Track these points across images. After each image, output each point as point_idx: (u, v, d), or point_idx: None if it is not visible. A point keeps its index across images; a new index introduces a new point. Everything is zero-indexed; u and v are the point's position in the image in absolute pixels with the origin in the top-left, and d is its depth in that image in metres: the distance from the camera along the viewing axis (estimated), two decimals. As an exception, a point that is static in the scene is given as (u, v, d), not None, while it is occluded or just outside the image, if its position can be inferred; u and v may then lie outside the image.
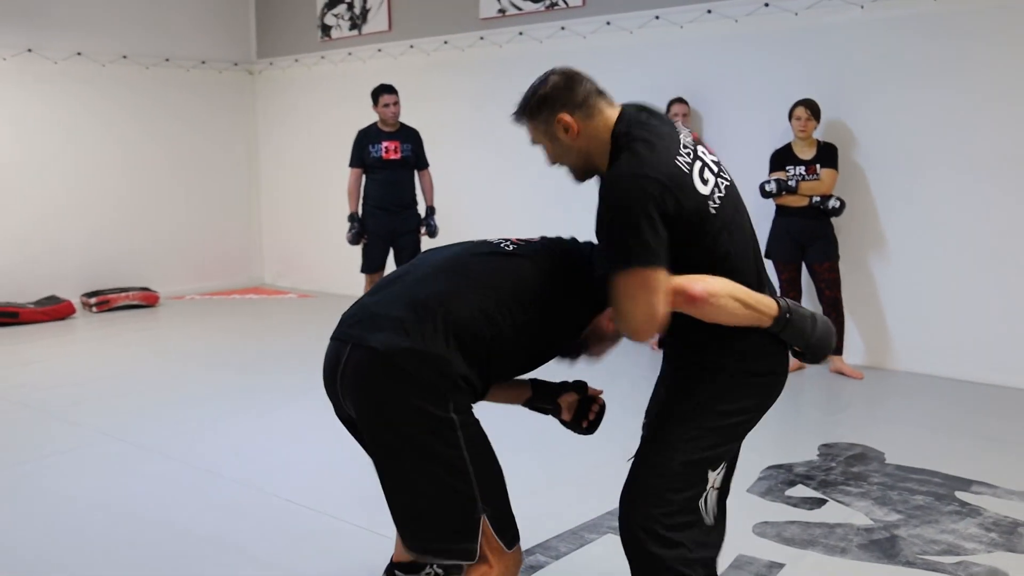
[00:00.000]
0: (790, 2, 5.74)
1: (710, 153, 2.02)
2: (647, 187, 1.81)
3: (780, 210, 5.47)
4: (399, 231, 6.19)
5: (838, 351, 5.46)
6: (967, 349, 5.29)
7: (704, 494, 1.97)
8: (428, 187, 6.34)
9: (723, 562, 2.38)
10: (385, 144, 6.15)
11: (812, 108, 5.37)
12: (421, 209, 6.33)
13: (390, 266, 6.19)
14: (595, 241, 1.99)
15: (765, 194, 5.43)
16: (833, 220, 5.40)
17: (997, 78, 5.07)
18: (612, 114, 1.98)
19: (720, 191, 1.94)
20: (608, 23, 6.56)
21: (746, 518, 3.22)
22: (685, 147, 1.93)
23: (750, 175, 5.86)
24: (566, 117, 1.96)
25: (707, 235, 1.89)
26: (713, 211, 1.89)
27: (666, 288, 1.82)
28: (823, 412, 4.90)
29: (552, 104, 1.98)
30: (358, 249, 6.31)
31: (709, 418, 1.96)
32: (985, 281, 5.20)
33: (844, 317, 5.46)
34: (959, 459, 3.84)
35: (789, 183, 5.34)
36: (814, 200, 5.31)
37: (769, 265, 5.57)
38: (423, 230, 6.26)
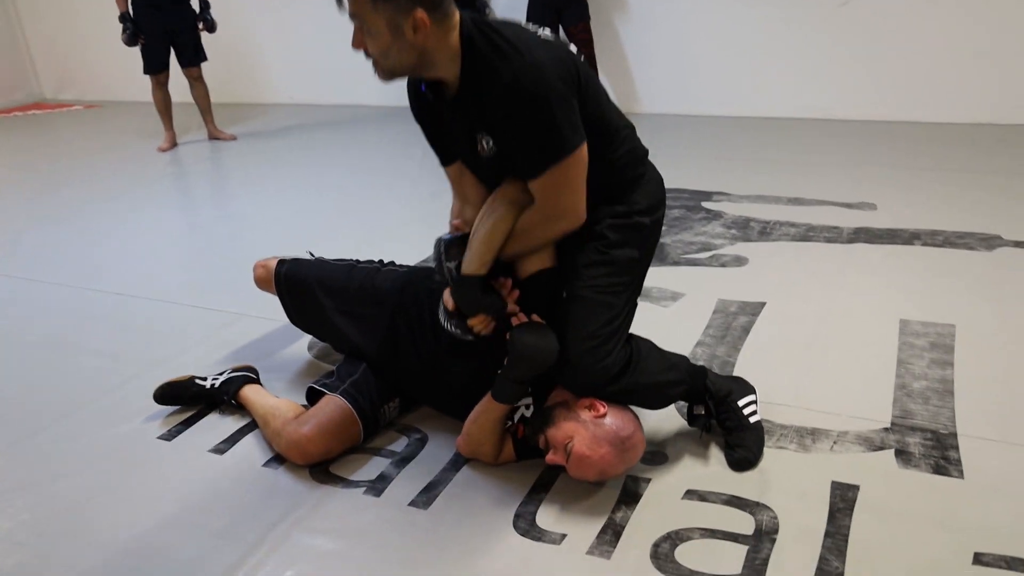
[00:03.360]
0: None
1: None
2: (566, 71, 1.56)
3: (536, -22, 5.20)
4: (176, 28, 5.36)
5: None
6: (700, 89, 5.46)
7: None
8: (198, -20, 5.47)
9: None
10: (144, -64, 5.17)
11: None
12: (195, 5, 5.50)
13: (174, 66, 5.43)
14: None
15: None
16: (583, -16, 5.22)
17: None
18: (457, 18, 1.58)
19: None
20: None
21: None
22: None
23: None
24: (423, 16, 1.51)
25: (585, 106, 1.64)
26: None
27: None
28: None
29: None
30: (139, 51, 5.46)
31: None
32: (712, 24, 5.28)
33: (598, 72, 5.43)
34: (701, 177, 4.02)
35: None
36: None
37: (531, 31, 5.37)
38: (201, 25, 5.46)
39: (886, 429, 1.92)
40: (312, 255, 2.39)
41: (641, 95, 5.66)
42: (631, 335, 1.81)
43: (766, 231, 3.28)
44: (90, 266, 3.42)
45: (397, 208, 3.95)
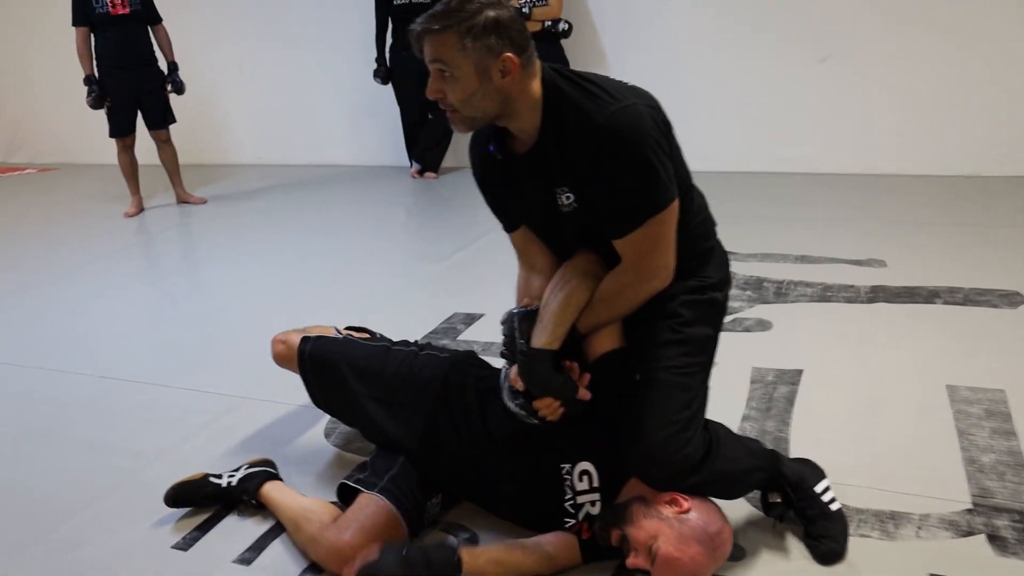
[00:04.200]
0: None
1: None
2: (660, 119, 1.50)
3: (518, 36, 5.19)
4: (144, 90, 5.20)
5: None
6: (687, 146, 5.47)
7: None
8: (165, 42, 5.32)
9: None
10: (110, -1, 5.04)
11: (537, -64, 5.04)
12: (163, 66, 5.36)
13: (141, 128, 5.26)
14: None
15: (504, 22, 5.10)
16: (563, 42, 5.23)
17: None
18: (538, 65, 1.53)
19: None
20: None
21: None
22: None
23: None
24: (512, 58, 1.45)
25: (672, 161, 1.57)
26: None
27: None
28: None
29: (504, 35, 1.44)
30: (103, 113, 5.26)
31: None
32: (694, 81, 5.32)
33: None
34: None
35: (523, 10, 5.04)
36: (546, 25, 5.08)
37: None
38: (169, 87, 5.31)
39: (969, 511, 1.82)
40: (339, 331, 2.23)
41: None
42: (706, 419, 1.70)
43: (782, 292, 3.23)
44: (63, 346, 3.19)
45: (387, 274, 3.80)
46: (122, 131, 5.21)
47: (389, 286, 3.64)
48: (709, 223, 1.73)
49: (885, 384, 2.44)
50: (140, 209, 5.42)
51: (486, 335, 2.96)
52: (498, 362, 2.02)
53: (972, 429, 2.15)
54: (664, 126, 1.53)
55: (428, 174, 5.82)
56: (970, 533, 1.75)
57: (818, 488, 1.74)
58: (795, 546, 1.74)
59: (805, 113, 5.10)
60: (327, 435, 2.35)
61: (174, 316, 3.52)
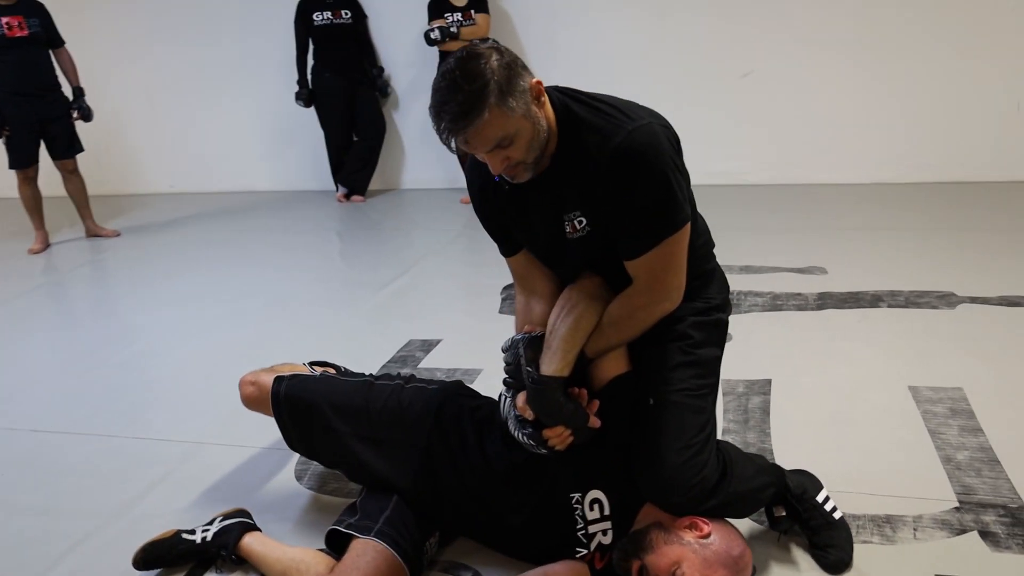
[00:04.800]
0: None
1: None
2: (673, 138, 1.50)
3: (444, 56, 5.17)
4: (48, 117, 4.90)
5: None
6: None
7: None
8: (69, 66, 5.03)
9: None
10: (5, 20, 4.74)
11: (460, -44, 5.04)
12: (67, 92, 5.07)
13: (44, 160, 4.96)
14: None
15: (431, 41, 5.07)
16: (491, 61, 5.24)
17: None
18: None
19: None
20: None
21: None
22: None
23: (409, 26, 5.48)
24: (539, 83, 1.45)
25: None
26: None
27: None
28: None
29: (517, 68, 1.42)
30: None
31: None
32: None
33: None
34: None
35: (451, 29, 5.03)
36: (473, 43, 5.08)
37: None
38: (75, 114, 5.03)
39: (957, 509, 1.89)
40: (312, 367, 2.13)
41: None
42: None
43: (734, 302, 3.28)
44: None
45: (330, 305, 3.67)
46: (23, 162, 4.89)
47: (334, 317, 3.52)
48: (710, 244, 1.75)
49: (852, 389, 2.51)
50: (46, 245, 5.09)
51: (447, 361, 2.90)
52: (486, 390, 1.99)
53: (941, 428, 2.24)
54: (676, 144, 1.54)
55: (355, 197, 5.70)
56: (963, 531, 1.81)
57: (819, 498, 1.77)
58: (802, 557, 1.76)
59: (732, 127, 5.25)
60: (298, 477, 2.24)
61: (101, 361, 3.28)
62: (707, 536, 1.54)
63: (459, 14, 5.08)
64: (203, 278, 4.23)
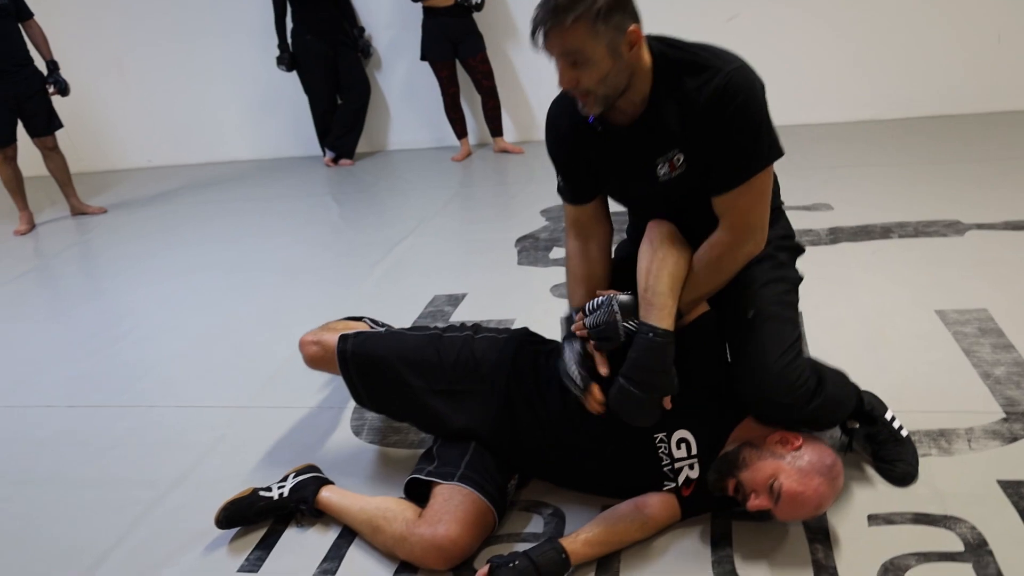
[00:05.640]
0: None
1: None
2: (760, 82, 1.55)
3: (428, 11, 5.09)
4: (23, 94, 4.76)
5: (499, 132, 5.46)
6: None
7: None
8: (41, 39, 4.86)
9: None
10: (-29, -7, 4.56)
11: (440, -93, 4.95)
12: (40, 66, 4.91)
13: (22, 136, 4.82)
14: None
15: (414, -2, 5.01)
16: (476, 16, 5.18)
17: None
18: None
19: None
20: None
21: (539, 284, 3.13)
22: None
23: (389, -18, 5.38)
24: (637, 29, 1.49)
25: None
26: None
27: None
28: (519, 187, 4.81)
29: (625, 9, 1.47)
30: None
31: None
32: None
33: (500, 101, 5.40)
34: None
35: (435, -17, 4.96)
36: (458, -1, 5.02)
37: (427, 67, 5.27)
38: (51, 88, 4.88)
39: (1004, 419, 1.98)
40: (374, 323, 2.14)
41: (541, 124, 5.67)
42: None
43: (747, 242, 3.36)
44: (7, 381, 2.91)
45: (343, 269, 3.64)
46: (1, 141, 4.76)
47: (350, 280, 3.51)
48: (777, 182, 1.79)
49: (880, 317, 2.59)
50: (32, 225, 4.98)
51: (478, 314, 2.92)
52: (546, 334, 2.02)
53: (975, 347, 2.33)
54: (763, 88, 1.58)
55: (343, 161, 5.64)
56: (1015, 439, 1.91)
57: (887, 416, 1.85)
58: (868, 473, 1.84)
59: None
60: (356, 432, 2.27)
61: (119, 337, 3.23)
62: (799, 448, 1.60)
63: (441, -31, 5.00)
64: (203, 250, 4.18)
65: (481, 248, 3.68)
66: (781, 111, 5.42)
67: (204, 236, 4.43)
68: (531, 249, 3.56)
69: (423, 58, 5.22)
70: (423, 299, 3.13)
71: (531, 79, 5.58)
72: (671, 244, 1.64)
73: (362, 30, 5.58)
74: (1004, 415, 2.00)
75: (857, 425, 1.84)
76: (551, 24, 1.44)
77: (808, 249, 3.19)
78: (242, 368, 2.76)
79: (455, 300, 3.09)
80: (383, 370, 1.93)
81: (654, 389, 1.59)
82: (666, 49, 1.56)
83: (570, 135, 1.68)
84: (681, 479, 1.73)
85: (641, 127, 1.59)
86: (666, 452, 1.72)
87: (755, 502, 1.58)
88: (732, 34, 5.16)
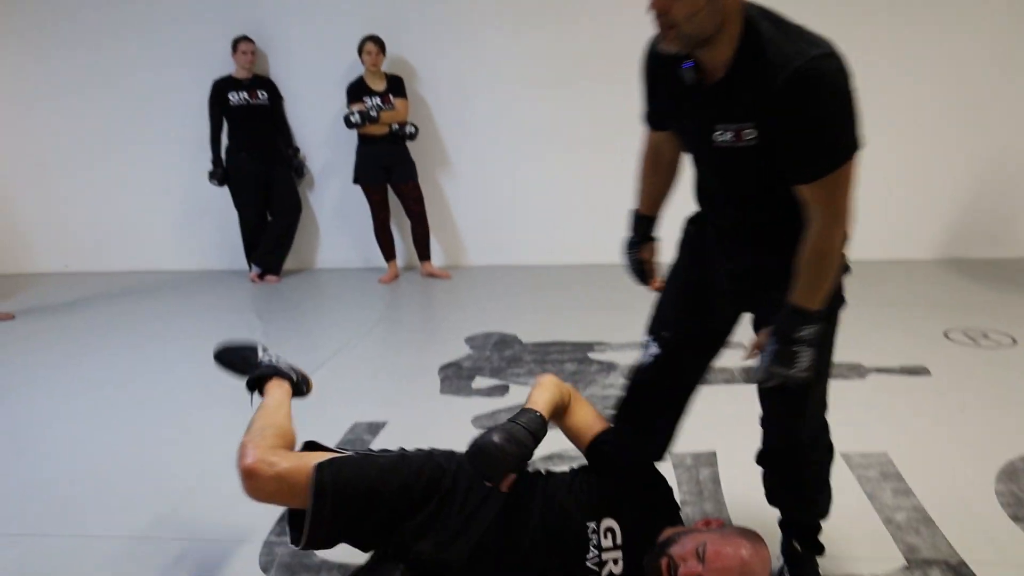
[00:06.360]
0: (340, -57, 5.40)
1: None
2: (848, 71, 1.47)
3: (364, 138, 5.26)
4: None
5: (427, 257, 5.55)
6: (522, 241, 5.74)
7: None
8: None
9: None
10: None
11: (379, 43, 5.19)
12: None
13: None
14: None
15: (350, 125, 5.16)
16: (409, 144, 5.36)
17: (523, 11, 5.40)
18: None
19: None
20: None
21: (460, 414, 3.13)
22: None
23: (325, 107, 5.56)
24: None
25: None
26: None
27: None
28: (445, 312, 4.89)
29: None
30: None
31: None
32: (528, 184, 5.63)
33: (429, 228, 5.52)
34: (568, 328, 4.17)
35: (371, 113, 5.14)
36: (393, 127, 5.20)
37: (359, 188, 5.38)
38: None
39: (906, 567, 2.05)
40: (336, 449, 2.05)
41: (469, 249, 5.83)
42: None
43: (664, 377, 3.45)
44: None
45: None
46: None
47: (268, 399, 3.43)
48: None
49: (789, 457, 2.67)
50: (-70, 330, 4.74)
51: (398, 443, 2.86)
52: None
53: (877, 492, 2.42)
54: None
55: (270, 277, 5.62)
56: (916, 588, 1.97)
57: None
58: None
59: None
60: (264, 569, 2.17)
61: (14, 454, 3.07)
62: (722, 525, 1.71)
63: (378, 98, 5.20)
64: (113, 363, 4.04)
65: (404, 375, 3.67)
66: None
67: (116, 348, 4.30)
68: (454, 378, 3.57)
69: (356, 181, 5.34)
70: (343, 426, 3.08)
71: (460, 207, 5.76)
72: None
73: (297, 150, 5.69)
74: (905, 562, 2.07)
75: (800, 549, 1.91)
76: None
77: (723, 388, 3.36)
78: (145, 493, 2.64)
79: (375, 428, 3.05)
80: (370, 501, 1.81)
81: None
82: (760, 19, 1.51)
83: (663, 63, 1.66)
84: (605, 573, 1.74)
85: (718, 90, 1.55)
86: (595, 544, 1.75)
87: (685, 570, 1.61)
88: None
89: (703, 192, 1.79)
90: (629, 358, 3.68)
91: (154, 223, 5.99)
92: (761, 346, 1.69)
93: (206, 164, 5.46)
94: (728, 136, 1.57)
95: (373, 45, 5.17)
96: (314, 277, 5.78)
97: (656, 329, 1.93)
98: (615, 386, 3.36)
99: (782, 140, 1.51)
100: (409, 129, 5.23)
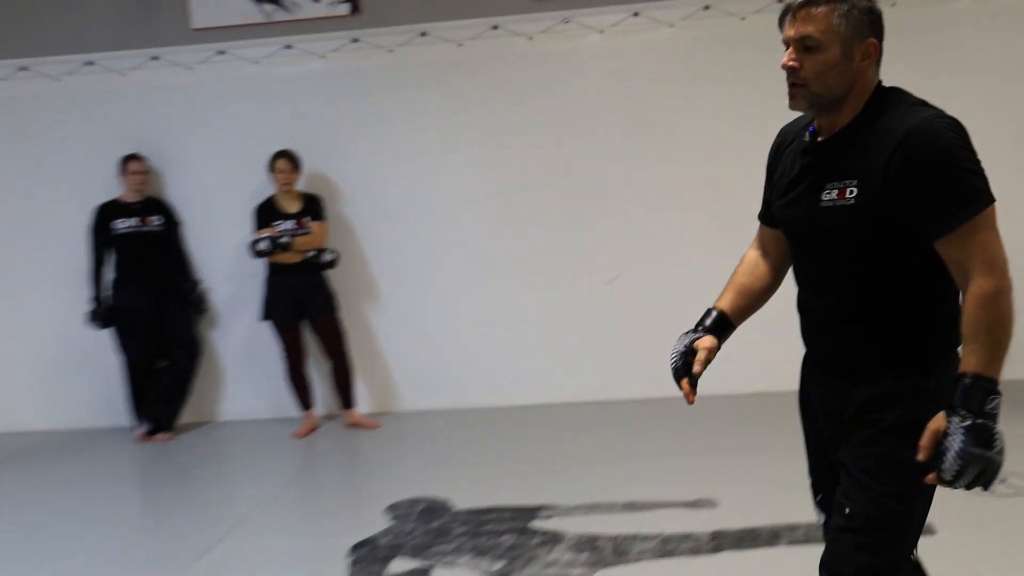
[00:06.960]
0: (246, 50, 5.59)
1: None
2: (965, 134, 1.74)
3: (274, 267, 5.28)
4: None
5: (350, 404, 5.47)
6: (463, 380, 5.70)
7: None
8: None
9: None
10: None
11: (293, 159, 5.29)
12: None
13: None
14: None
15: (258, 253, 5.19)
16: (328, 273, 5.38)
17: (457, 126, 5.56)
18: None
19: None
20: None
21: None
22: None
23: (230, 233, 5.59)
24: (876, 44, 1.78)
25: None
26: None
27: None
28: (367, 472, 4.79)
29: (875, 23, 1.78)
30: None
31: None
32: (469, 315, 5.65)
33: (351, 369, 5.47)
34: (512, 489, 4.08)
35: (282, 240, 5.17)
36: (309, 255, 5.24)
37: (268, 328, 5.36)
38: None
39: None
40: None
41: (402, 392, 5.77)
42: None
43: (620, 550, 3.36)
44: None
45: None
46: None
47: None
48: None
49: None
50: None
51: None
52: None
53: None
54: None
55: (161, 435, 5.46)
56: None
57: None
58: None
59: (592, 338, 5.55)
60: None
61: None
62: None
63: (291, 221, 5.26)
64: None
65: (307, 559, 3.54)
66: (648, 383, 5.59)
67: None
68: (367, 560, 3.44)
69: (265, 318, 5.32)
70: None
71: (389, 343, 5.74)
72: None
73: (196, 283, 5.67)
74: None
75: None
76: (804, 4, 1.74)
77: (687, 561, 3.27)
78: None
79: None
80: None
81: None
82: (890, 92, 1.81)
83: (784, 143, 2.00)
84: None
85: (829, 147, 1.83)
86: None
87: None
88: (610, 298, 5.52)
89: (804, 280, 1.99)
90: (578, 526, 3.59)
91: (19, 375, 5.84)
92: (939, 433, 1.66)
93: (84, 303, 5.40)
94: (833, 194, 1.79)
95: (285, 162, 5.27)
96: (215, 432, 5.66)
97: (815, 492, 2.14)
98: (558, 563, 3.26)
99: (903, 199, 1.71)
100: (327, 256, 5.27)
